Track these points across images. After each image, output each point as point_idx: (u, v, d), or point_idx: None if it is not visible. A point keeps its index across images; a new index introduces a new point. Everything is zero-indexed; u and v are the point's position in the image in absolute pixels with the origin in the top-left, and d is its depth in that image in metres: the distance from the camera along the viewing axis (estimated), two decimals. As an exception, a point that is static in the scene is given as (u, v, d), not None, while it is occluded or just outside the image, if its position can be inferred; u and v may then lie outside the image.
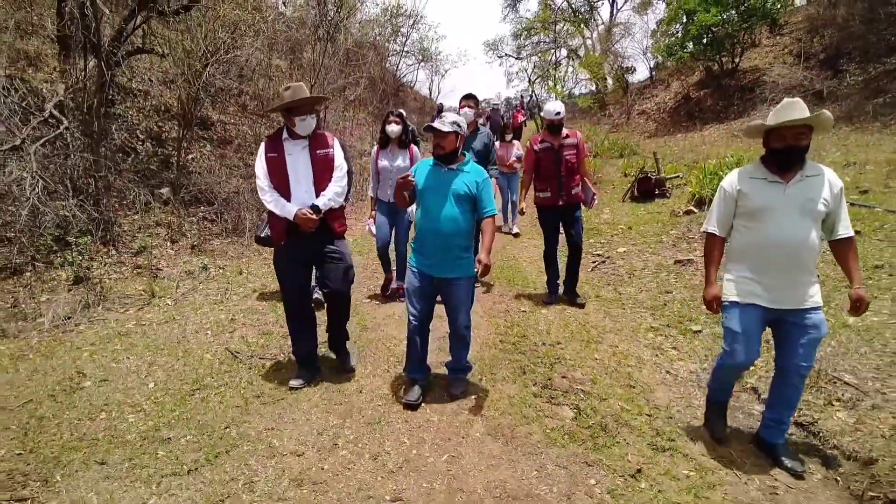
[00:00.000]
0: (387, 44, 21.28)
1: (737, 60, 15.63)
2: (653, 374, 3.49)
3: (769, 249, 2.49)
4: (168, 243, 6.31)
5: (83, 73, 7.31)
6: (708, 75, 16.50)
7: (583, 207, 4.79)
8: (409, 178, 2.90)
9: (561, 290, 4.93)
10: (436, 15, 25.67)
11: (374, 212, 4.86)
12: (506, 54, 22.75)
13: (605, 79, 21.03)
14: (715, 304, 2.67)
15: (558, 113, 4.60)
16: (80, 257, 5.20)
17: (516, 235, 7.66)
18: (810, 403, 3.01)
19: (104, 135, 6.82)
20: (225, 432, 2.81)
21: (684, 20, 15.94)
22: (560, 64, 15.10)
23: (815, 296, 2.50)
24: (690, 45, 15.80)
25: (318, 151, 3.11)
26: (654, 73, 19.61)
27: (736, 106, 14.75)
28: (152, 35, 8.40)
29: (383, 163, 4.69)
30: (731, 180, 2.64)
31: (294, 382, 3.29)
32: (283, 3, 13.44)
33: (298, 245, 3.13)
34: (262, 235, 4.30)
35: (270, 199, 3.07)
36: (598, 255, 6.21)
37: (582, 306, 4.70)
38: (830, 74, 13.69)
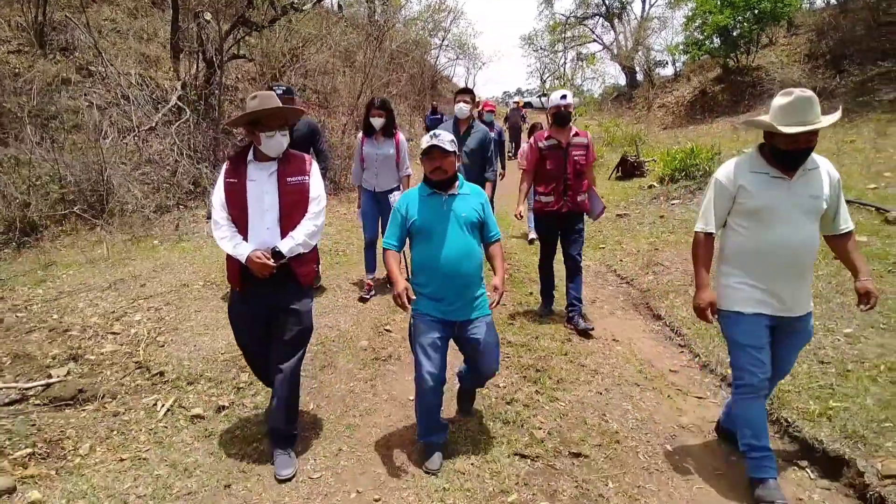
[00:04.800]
0: (428, 37, 24.16)
1: (751, 58, 17.61)
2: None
3: (773, 253, 2.38)
4: (262, 197, 9.37)
5: (196, 74, 10.45)
6: (724, 72, 18.52)
7: (586, 219, 4.61)
8: (406, 303, 2.57)
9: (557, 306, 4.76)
10: (474, 12, 28.31)
11: (361, 200, 5.07)
12: (540, 48, 25.17)
13: (635, 72, 23.24)
14: (709, 311, 2.54)
15: (564, 96, 4.28)
16: (213, 201, 8.26)
17: (531, 242, 7.30)
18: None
19: (216, 120, 9.89)
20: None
21: (702, 20, 18.00)
22: (573, 62, 17.42)
23: (811, 300, 2.52)
24: (707, 43, 17.90)
25: (288, 179, 2.62)
26: (676, 68, 21.72)
27: (746, 101, 16.81)
28: (244, 43, 11.47)
29: (367, 150, 4.82)
30: (727, 173, 2.49)
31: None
32: (341, 7, 16.44)
33: (254, 293, 2.66)
34: None
35: (223, 235, 2.61)
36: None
37: (589, 332, 4.29)
38: (834, 74, 15.62)
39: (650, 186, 9.60)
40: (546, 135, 4.41)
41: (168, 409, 3.25)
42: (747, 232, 2.46)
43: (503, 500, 2.48)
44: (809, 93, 2.28)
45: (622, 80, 25.68)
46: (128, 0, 12.67)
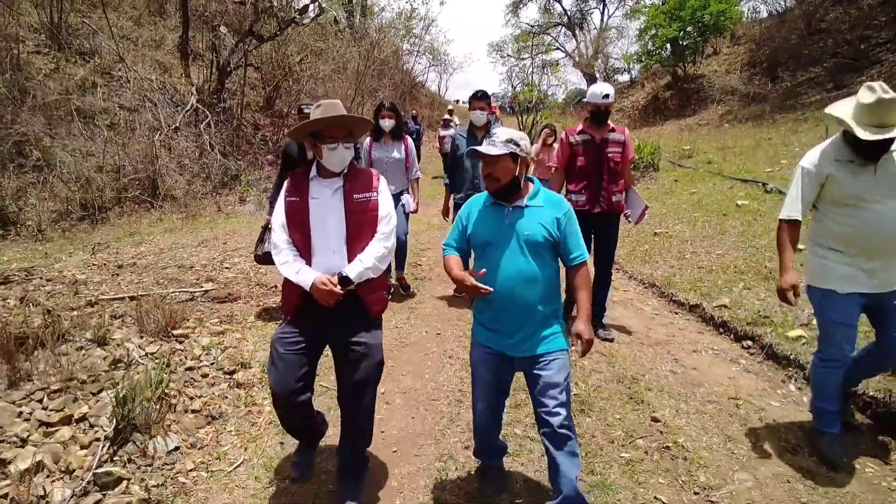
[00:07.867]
0: (400, 42, 26.32)
1: (696, 67, 20.40)
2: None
3: (866, 237, 2.52)
4: (279, 186, 11.36)
5: (210, 79, 12.29)
6: (674, 79, 21.31)
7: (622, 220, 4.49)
8: (481, 289, 2.25)
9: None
10: (446, 21, 30.85)
11: None
12: (507, 55, 27.71)
13: (595, 78, 25.96)
14: (792, 293, 2.70)
15: (607, 95, 4.17)
16: (244, 188, 10.19)
17: None
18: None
19: (232, 121, 11.79)
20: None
21: (654, 32, 20.73)
22: (539, 70, 19.94)
23: None
24: (659, 52, 20.64)
25: (355, 196, 2.45)
26: (632, 75, 24.56)
27: (692, 106, 19.53)
28: (251, 53, 13.38)
29: (377, 154, 5.06)
30: (812, 161, 2.64)
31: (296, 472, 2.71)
32: (336, 20, 18.47)
33: (311, 324, 2.44)
34: (261, 254, 4.59)
35: (283, 260, 2.43)
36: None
37: (610, 340, 4.37)
38: (768, 80, 18.40)
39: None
40: (579, 129, 4.33)
41: (291, 303, 5.28)
42: (838, 217, 2.60)
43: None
44: (891, 95, 2.37)
45: (584, 86, 28.43)
46: (130, 8, 14.34)
